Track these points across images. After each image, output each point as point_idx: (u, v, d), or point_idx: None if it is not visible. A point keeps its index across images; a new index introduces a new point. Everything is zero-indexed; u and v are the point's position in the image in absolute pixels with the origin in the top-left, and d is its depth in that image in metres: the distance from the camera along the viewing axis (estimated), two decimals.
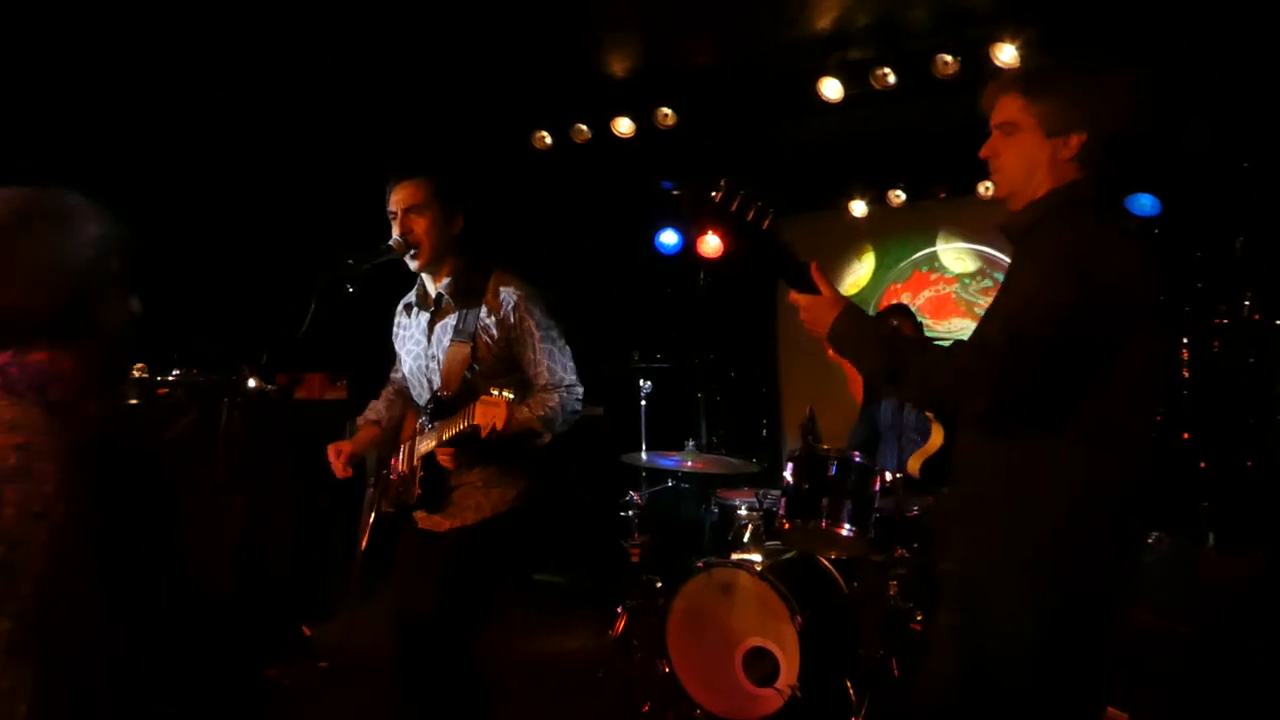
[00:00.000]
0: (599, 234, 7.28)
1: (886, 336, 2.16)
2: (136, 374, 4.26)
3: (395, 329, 3.34)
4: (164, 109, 5.64)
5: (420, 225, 3.03)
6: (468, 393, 2.87)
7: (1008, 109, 2.19)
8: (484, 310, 3.01)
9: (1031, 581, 2.03)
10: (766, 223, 2.12)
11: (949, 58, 4.98)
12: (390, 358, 3.42)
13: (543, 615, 5.63)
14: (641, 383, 5.25)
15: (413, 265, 3.09)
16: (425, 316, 3.16)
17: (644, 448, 5.06)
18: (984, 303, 7.09)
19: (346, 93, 5.64)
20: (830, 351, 2.24)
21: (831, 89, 5.33)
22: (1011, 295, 2.11)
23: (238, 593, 4.10)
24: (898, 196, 6.89)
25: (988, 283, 7.08)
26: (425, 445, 3.01)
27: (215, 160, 6.13)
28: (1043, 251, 2.05)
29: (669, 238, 7.52)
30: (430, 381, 3.11)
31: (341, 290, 3.00)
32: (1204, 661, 3.73)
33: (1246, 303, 5.52)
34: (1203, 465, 5.56)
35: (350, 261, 2.99)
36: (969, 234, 7.09)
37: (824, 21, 4.94)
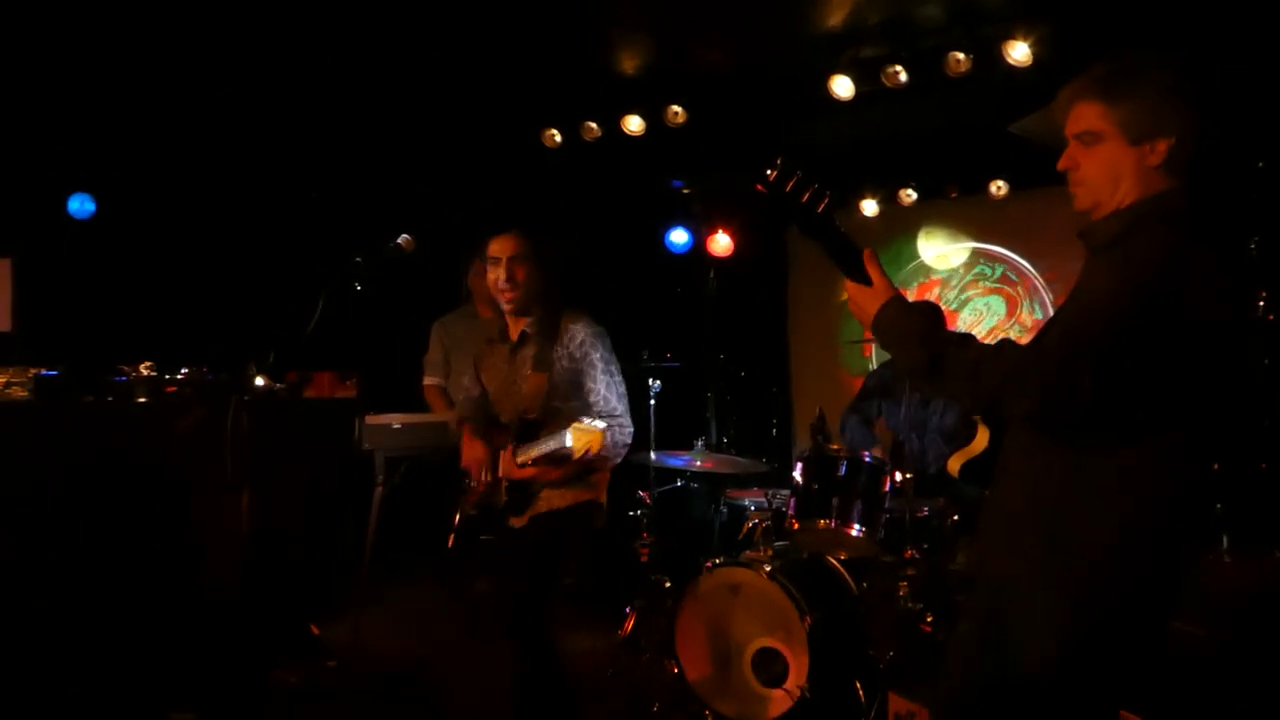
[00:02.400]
0: (609, 232, 7.26)
1: (930, 331, 2.04)
2: (145, 372, 4.25)
3: (479, 356, 3.79)
4: (175, 110, 5.65)
5: (520, 274, 3.45)
6: (550, 416, 3.40)
7: (1086, 117, 2.05)
8: (557, 343, 3.47)
9: (1064, 601, 1.97)
10: (823, 205, 2.06)
11: (961, 55, 4.94)
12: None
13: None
14: (651, 382, 5.23)
15: (505, 307, 3.53)
16: (505, 349, 3.61)
17: (653, 447, 5.04)
18: (971, 295, 7.08)
19: (356, 91, 5.63)
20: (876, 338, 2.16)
21: (843, 87, 5.30)
22: (1077, 303, 2.03)
23: (245, 592, 4.10)
24: (909, 196, 6.85)
25: (977, 271, 7.08)
26: (512, 462, 3.46)
27: (225, 160, 6.14)
28: (1119, 268, 1.95)
29: (679, 236, 7.49)
30: (513, 405, 3.54)
31: (350, 289, 3.01)
32: (1217, 666, 3.70)
33: (1261, 304, 5.47)
34: (1215, 467, 5.50)
35: (358, 260, 3.01)
36: (958, 231, 7.06)
37: (835, 19, 4.92)
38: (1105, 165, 2.04)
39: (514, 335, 3.61)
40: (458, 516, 3.63)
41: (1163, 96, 2.01)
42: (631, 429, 3.53)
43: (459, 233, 5.52)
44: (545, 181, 6.72)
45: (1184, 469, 1.99)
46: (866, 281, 2.11)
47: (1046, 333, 2.10)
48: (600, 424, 3.10)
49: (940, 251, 7.15)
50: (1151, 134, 2.00)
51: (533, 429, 3.43)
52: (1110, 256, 2.02)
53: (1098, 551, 1.96)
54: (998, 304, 7.00)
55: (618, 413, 3.47)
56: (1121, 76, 2.04)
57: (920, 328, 2.05)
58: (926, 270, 7.25)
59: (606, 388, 3.47)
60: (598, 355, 3.48)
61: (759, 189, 2.07)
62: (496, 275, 3.47)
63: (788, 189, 2.05)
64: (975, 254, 7.09)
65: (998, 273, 6.99)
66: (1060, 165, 2.11)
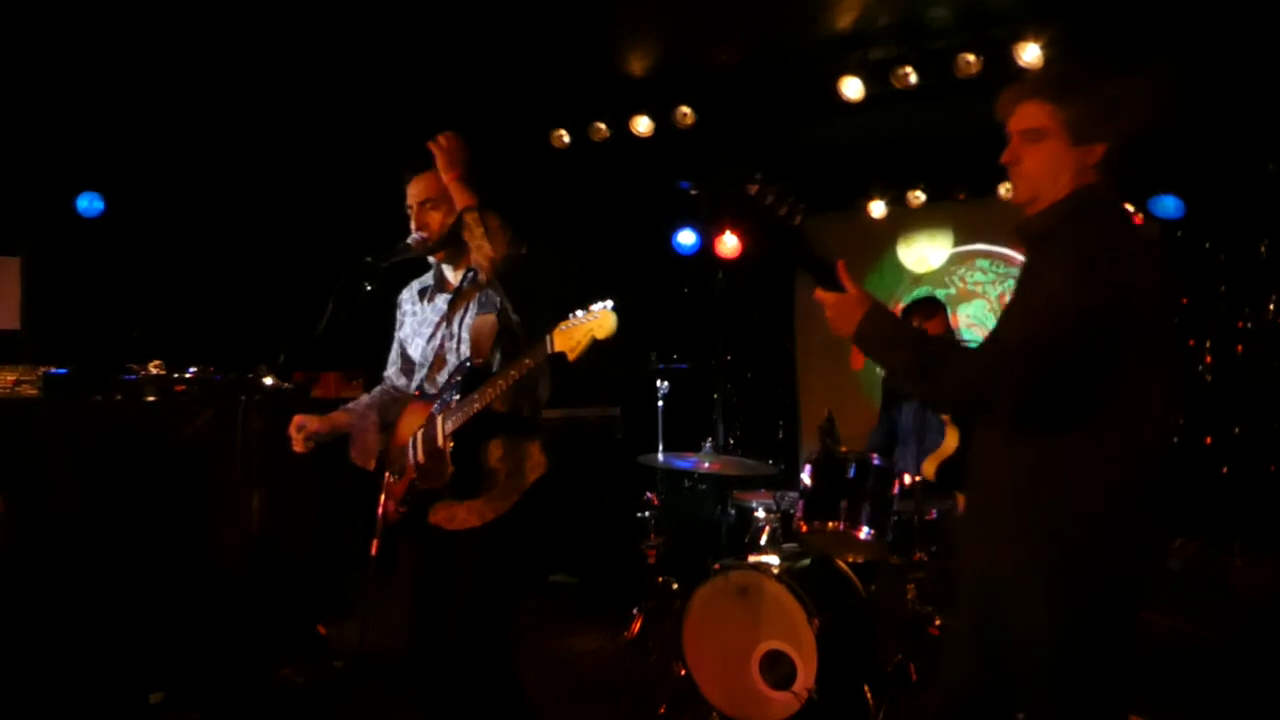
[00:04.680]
0: (617, 234, 7.26)
1: (914, 336, 2.16)
2: (155, 371, 4.26)
3: (399, 316, 3.26)
4: (184, 109, 5.66)
5: (436, 219, 3.01)
6: (502, 359, 2.88)
7: (1034, 115, 2.16)
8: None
9: (1052, 584, 2.03)
10: (798, 219, 2.15)
11: (971, 57, 4.93)
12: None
13: (558, 616, 5.61)
14: (659, 384, 5.23)
15: (432, 258, 3.08)
16: (444, 298, 3.10)
17: (661, 449, 5.03)
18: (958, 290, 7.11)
19: (366, 92, 5.63)
20: (858, 360, 2.25)
21: (852, 88, 5.29)
22: (1033, 295, 2.12)
23: (253, 591, 4.10)
24: (917, 197, 6.83)
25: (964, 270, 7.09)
26: (458, 418, 2.86)
27: (234, 159, 6.15)
28: (1064, 254, 2.04)
29: (687, 238, 7.49)
30: (448, 360, 3.03)
31: (360, 289, 2.99)
32: (1230, 669, 3.68)
33: (1271, 306, 5.47)
34: (1225, 470, 5.51)
35: (368, 260, 2.98)
36: (955, 232, 7.07)
37: (845, 20, 4.91)
38: (1048, 162, 2.15)
39: (454, 283, 3.09)
40: (380, 515, 3.11)
41: (1108, 102, 2.12)
42: None
43: None
44: (553, 182, 6.72)
45: (1140, 448, 2.05)
46: (841, 290, 2.20)
47: (1004, 325, 2.17)
48: (605, 303, 2.58)
49: (919, 256, 7.12)
50: (1094, 137, 2.11)
51: (479, 378, 2.85)
52: (1048, 248, 2.11)
53: (1070, 536, 2.02)
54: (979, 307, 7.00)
55: None
56: (1070, 80, 2.17)
57: (903, 335, 2.15)
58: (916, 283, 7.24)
59: None
60: None
61: (739, 202, 2.17)
62: (412, 226, 3.02)
63: (766, 203, 2.15)
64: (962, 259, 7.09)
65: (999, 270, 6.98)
66: (1003, 159, 2.22)
